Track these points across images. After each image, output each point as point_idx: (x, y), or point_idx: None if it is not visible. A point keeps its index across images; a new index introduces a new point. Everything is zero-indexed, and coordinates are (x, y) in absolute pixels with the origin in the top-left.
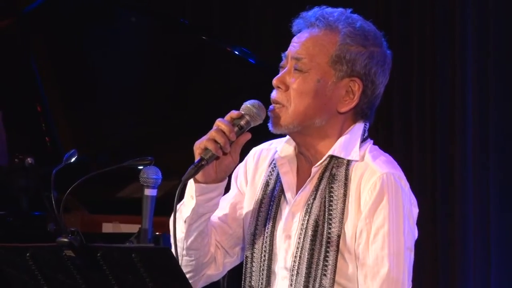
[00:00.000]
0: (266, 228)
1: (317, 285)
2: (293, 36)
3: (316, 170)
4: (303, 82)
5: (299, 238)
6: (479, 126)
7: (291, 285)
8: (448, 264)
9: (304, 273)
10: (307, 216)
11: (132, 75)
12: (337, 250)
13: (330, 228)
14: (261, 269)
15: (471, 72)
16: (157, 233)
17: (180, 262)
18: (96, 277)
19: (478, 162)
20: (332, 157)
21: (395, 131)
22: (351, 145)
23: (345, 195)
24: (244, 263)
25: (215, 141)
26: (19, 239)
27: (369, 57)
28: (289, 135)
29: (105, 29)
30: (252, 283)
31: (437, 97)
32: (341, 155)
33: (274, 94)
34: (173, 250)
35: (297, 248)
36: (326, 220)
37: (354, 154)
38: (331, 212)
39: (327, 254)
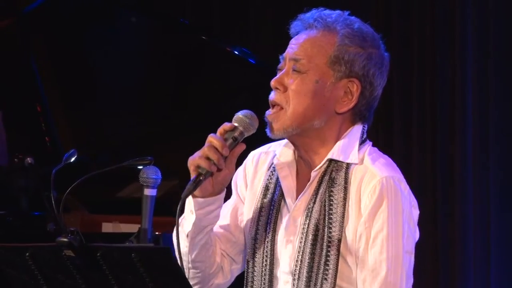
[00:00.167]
0: (267, 233)
1: None
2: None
3: (315, 174)
4: (301, 83)
5: (300, 242)
6: (479, 126)
7: None
8: (448, 264)
9: (305, 277)
10: (307, 220)
11: (132, 75)
12: (338, 254)
13: (330, 232)
14: (263, 273)
15: (471, 72)
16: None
17: (187, 275)
18: (96, 277)
19: (478, 162)
20: (331, 160)
21: (395, 132)
22: (350, 148)
23: (345, 198)
24: (246, 267)
25: (208, 158)
26: (19, 239)
27: (367, 58)
28: (288, 139)
29: (105, 29)
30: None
31: (437, 97)
32: (340, 159)
33: (272, 96)
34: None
35: (298, 252)
36: (327, 224)
37: (353, 157)
38: (331, 216)
39: (328, 258)
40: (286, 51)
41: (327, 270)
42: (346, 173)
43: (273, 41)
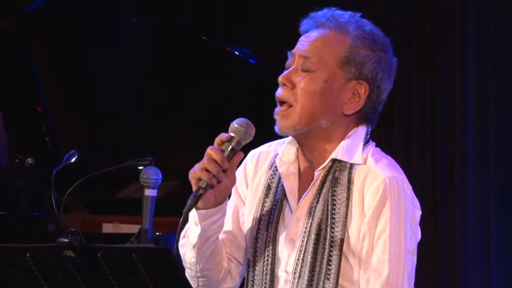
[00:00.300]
0: (269, 232)
1: None
2: (297, 35)
3: (318, 173)
4: (310, 81)
5: (302, 241)
6: (479, 126)
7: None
8: (448, 264)
9: (306, 276)
10: (310, 220)
11: (132, 75)
12: (340, 254)
13: (333, 232)
14: (264, 273)
15: (471, 72)
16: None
17: (195, 284)
18: (97, 278)
19: (478, 162)
20: (334, 160)
21: (395, 132)
22: (354, 148)
23: (348, 198)
24: (247, 266)
25: (208, 171)
26: (19, 239)
27: (377, 61)
28: (294, 137)
29: (105, 29)
30: (255, 287)
31: (437, 97)
32: (344, 159)
33: (280, 92)
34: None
35: (300, 251)
36: (329, 223)
37: (357, 158)
38: (334, 216)
39: (330, 257)
40: (296, 47)
41: (329, 270)
42: (350, 173)
43: (273, 41)
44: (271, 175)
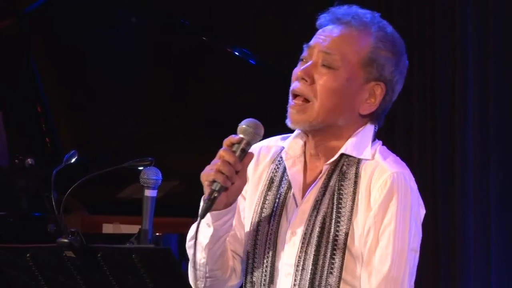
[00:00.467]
0: (271, 225)
1: (323, 282)
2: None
3: (327, 167)
4: (333, 79)
5: (305, 234)
6: (479, 126)
7: (295, 281)
8: (449, 264)
9: (310, 269)
10: (314, 213)
11: (132, 75)
12: (345, 248)
13: (338, 226)
14: (264, 265)
15: (471, 72)
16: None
17: (202, 285)
18: (97, 278)
19: (478, 162)
20: (342, 155)
21: (396, 132)
22: (363, 144)
23: (354, 192)
24: (246, 259)
25: (223, 173)
26: (20, 239)
27: (396, 64)
28: (305, 131)
29: (105, 29)
30: (254, 279)
31: (437, 97)
32: (353, 154)
33: (297, 85)
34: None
35: (303, 244)
36: (334, 217)
37: (366, 154)
38: (340, 210)
39: (334, 251)
40: (315, 41)
41: (333, 264)
42: (357, 168)
43: (273, 41)
44: (274, 168)
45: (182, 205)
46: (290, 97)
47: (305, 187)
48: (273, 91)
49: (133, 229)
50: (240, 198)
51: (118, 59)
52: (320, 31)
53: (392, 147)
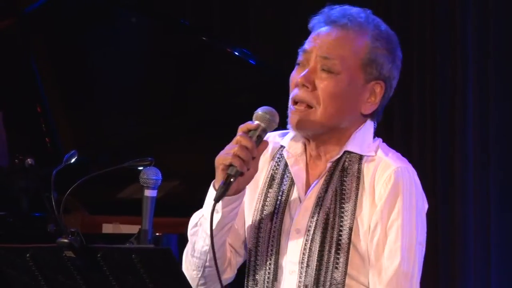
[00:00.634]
0: (273, 222)
1: (328, 277)
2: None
3: (330, 165)
4: (334, 84)
5: (309, 231)
6: (479, 126)
7: (300, 278)
8: (449, 264)
9: (314, 265)
10: (318, 209)
11: (132, 75)
12: (349, 242)
13: (342, 221)
14: (267, 263)
15: (471, 72)
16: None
17: (199, 275)
18: (96, 278)
19: (478, 162)
20: (345, 152)
21: (395, 132)
22: (366, 141)
23: (357, 188)
24: (248, 256)
25: (240, 158)
26: (19, 239)
27: (393, 61)
28: (308, 137)
29: (105, 29)
30: (257, 277)
31: (437, 97)
32: (356, 151)
33: (298, 92)
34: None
35: (307, 241)
36: (338, 213)
37: (368, 150)
38: (343, 205)
39: (339, 246)
40: (311, 46)
41: (338, 259)
42: (359, 164)
43: (273, 41)
44: (275, 166)
45: (182, 205)
46: (290, 102)
47: (308, 185)
48: (273, 91)
49: (133, 229)
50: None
51: (118, 59)
52: (314, 34)
53: (392, 147)
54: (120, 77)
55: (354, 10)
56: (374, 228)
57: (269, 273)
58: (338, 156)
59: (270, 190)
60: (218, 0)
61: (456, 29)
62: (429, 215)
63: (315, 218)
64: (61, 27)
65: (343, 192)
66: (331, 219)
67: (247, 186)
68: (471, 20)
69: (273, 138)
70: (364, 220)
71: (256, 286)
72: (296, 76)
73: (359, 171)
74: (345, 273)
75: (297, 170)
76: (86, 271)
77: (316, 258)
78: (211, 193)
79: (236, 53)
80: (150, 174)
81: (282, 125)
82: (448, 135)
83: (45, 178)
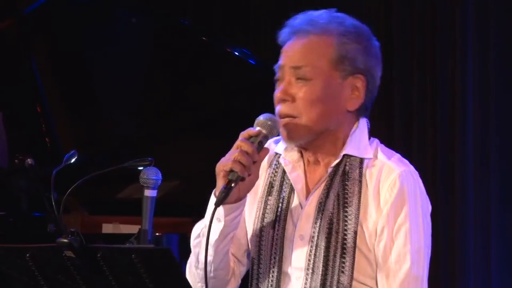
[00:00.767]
0: (276, 230)
1: (334, 282)
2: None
3: (331, 170)
4: (310, 90)
5: (313, 237)
6: (479, 126)
7: (305, 284)
8: (448, 265)
9: (321, 271)
10: (320, 214)
11: (132, 75)
12: (354, 246)
13: (346, 225)
14: (271, 271)
15: (471, 72)
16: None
17: (203, 286)
18: (96, 278)
19: (478, 162)
20: (344, 155)
21: (395, 132)
22: (363, 143)
23: (360, 192)
24: (251, 265)
25: (240, 163)
26: (19, 239)
27: (366, 51)
28: (301, 146)
29: (105, 29)
30: (260, 286)
31: (437, 97)
32: (355, 154)
33: (281, 108)
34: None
35: (312, 247)
36: (342, 217)
37: (367, 152)
38: (347, 209)
39: (344, 250)
40: (282, 60)
41: (344, 263)
42: (360, 168)
43: (273, 41)
44: (273, 173)
45: (182, 205)
46: (277, 119)
47: (308, 190)
48: (273, 91)
49: (133, 229)
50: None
51: (118, 59)
52: (284, 48)
53: (392, 147)
54: (120, 77)
55: (316, 13)
56: (380, 233)
57: (272, 280)
58: (338, 160)
59: (269, 198)
60: (219, 1)
61: (456, 29)
62: (430, 215)
63: (318, 224)
64: (61, 27)
65: (346, 196)
66: (335, 224)
67: (247, 196)
68: (471, 20)
69: (268, 145)
70: (369, 224)
71: None
72: (276, 93)
73: (361, 175)
74: (352, 276)
75: (296, 177)
76: (86, 271)
77: (322, 264)
78: (212, 201)
79: (236, 53)
80: (150, 174)
81: None
82: (448, 135)
83: (45, 178)
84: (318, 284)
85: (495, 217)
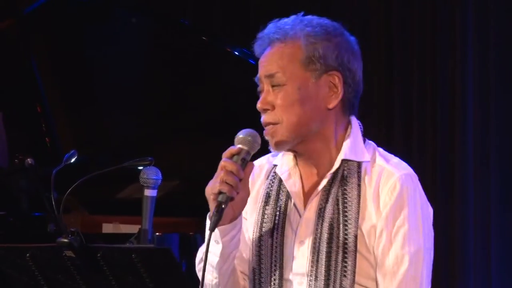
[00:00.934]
0: (274, 238)
1: (337, 286)
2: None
3: (330, 175)
4: (285, 95)
5: (314, 243)
6: (479, 126)
7: None
8: (448, 265)
9: (323, 276)
10: (320, 220)
11: (132, 75)
12: (355, 250)
13: (346, 230)
14: (272, 279)
15: (471, 72)
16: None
17: None
18: (96, 278)
19: (478, 162)
20: (342, 160)
21: (395, 132)
22: (358, 146)
23: (359, 196)
24: (251, 275)
25: (227, 183)
26: (19, 239)
27: (337, 47)
28: (291, 151)
29: (105, 29)
30: None
31: (437, 97)
32: (352, 158)
33: (264, 118)
34: None
35: (313, 253)
36: (342, 222)
37: (364, 155)
38: (347, 214)
39: (346, 254)
40: (259, 72)
41: (346, 267)
42: (359, 172)
43: None
44: (269, 184)
45: (182, 205)
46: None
47: (305, 196)
48: None
49: (133, 229)
50: (243, 219)
51: (118, 59)
52: (260, 60)
53: (392, 147)
54: (120, 77)
55: (283, 20)
56: (380, 235)
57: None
58: (337, 166)
59: (267, 207)
60: (219, 0)
61: (456, 29)
62: (431, 218)
63: (319, 230)
64: (61, 27)
65: (345, 201)
66: (336, 229)
67: (247, 210)
68: (471, 20)
69: (266, 160)
70: (369, 227)
71: None
72: (257, 104)
73: (360, 179)
74: (354, 280)
75: (292, 183)
76: (86, 271)
77: (324, 269)
78: (208, 225)
79: (236, 53)
80: (150, 174)
81: None
82: (448, 135)
83: (45, 178)
84: None
85: (495, 217)
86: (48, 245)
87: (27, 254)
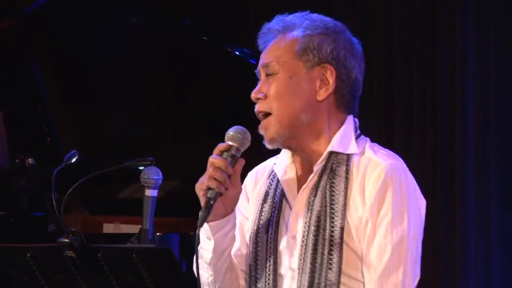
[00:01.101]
0: (269, 233)
1: (322, 279)
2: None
3: (318, 168)
4: (277, 83)
5: (303, 236)
6: (479, 126)
7: (298, 283)
8: (449, 264)
9: (308, 269)
10: (309, 213)
11: (132, 75)
12: (341, 242)
13: (333, 222)
14: (267, 274)
15: (471, 72)
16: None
17: None
18: (97, 278)
19: (478, 162)
20: (331, 153)
21: (396, 131)
22: (347, 139)
23: (346, 188)
24: (248, 271)
25: (215, 179)
26: (20, 239)
27: (334, 42)
28: (284, 145)
29: (105, 29)
30: None
31: (437, 97)
32: (340, 150)
33: (256, 107)
34: None
35: (302, 246)
36: (328, 214)
37: (352, 148)
38: (333, 206)
39: (332, 247)
40: (259, 64)
41: (331, 260)
42: (347, 165)
43: None
44: (269, 183)
45: (183, 205)
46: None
47: (298, 191)
48: None
49: (134, 229)
50: (243, 219)
51: (118, 59)
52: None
53: (392, 147)
54: (120, 77)
55: (288, 16)
56: (365, 226)
57: (268, 283)
58: (323, 157)
59: (264, 205)
60: (220, 0)
61: (456, 29)
62: (430, 214)
63: (307, 223)
64: (61, 27)
65: (332, 193)
66: (322, 221)
67: (249, 211)
68: (471, 20)
69: (269, 162)
70: (354, 219)
71: None
72: (251, 94)
73: (348, 171)
74: (340, 272)
75: (287, 179)
76: (86, 271)
77: (309, 261)
78: None
79: (237, 53)
80: (150, 174)
81: None
82: (448, 135)
83: (45, 178)
84: (306, 282)
85: (495, 217)
86: (49, 245)
87: (28, 254)
